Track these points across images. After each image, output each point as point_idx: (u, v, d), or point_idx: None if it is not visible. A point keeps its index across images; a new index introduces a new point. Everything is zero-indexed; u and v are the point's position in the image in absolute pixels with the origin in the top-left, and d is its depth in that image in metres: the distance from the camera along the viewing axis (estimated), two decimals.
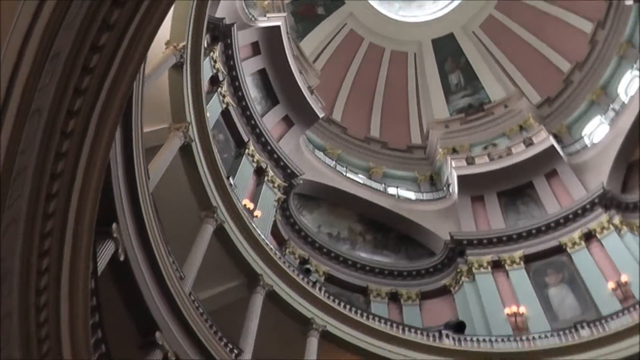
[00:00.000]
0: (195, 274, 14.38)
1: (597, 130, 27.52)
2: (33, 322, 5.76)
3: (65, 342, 6.31)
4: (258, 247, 17.55)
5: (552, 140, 27.17)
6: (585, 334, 18.74)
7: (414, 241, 27.72)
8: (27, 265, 5.42)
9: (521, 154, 27.44)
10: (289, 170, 24.48)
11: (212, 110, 19.41)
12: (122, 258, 10.48)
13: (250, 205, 20.39)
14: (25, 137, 4.79)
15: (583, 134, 28.53)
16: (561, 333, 19.22)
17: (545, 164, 26.79)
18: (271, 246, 18.36)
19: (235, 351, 14.42)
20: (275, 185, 23.53)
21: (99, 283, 8.57)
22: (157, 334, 11.55)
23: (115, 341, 8.94)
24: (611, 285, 21.22)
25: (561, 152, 26.77)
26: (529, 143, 27.94)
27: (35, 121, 4.92)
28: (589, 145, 26.91)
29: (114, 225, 10.10)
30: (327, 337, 17.74)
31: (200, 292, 15.04)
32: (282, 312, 17.54)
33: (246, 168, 21.96)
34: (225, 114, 21.35)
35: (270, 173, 23.48)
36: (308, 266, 22.38)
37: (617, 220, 23.20)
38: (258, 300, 16.57)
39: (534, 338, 19.41)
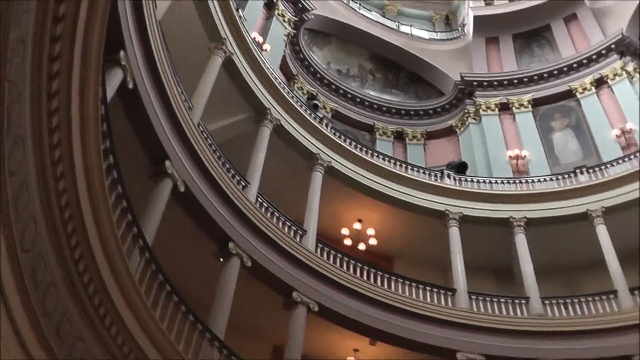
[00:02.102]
0: (203, 105, 14.41)
1: None
2: (46, 144, 5.87)
3: (78, 163, 6.46)
4: (266, 81, 17.48)
5: None
6: (584, 179, 19.08)
7: (424, 81, 27.55)
8: (37, 89, 5.45)
9: None
10: (300, 4, 23.89)
11: None
12: (130, 86, 10.47)
13: (260, 39, 20.11)
14: None
15: None
16: (560, 177, 19.57)
17: (566, 7, 26.06)
18: (280, 80, 18.28)
19: (242, 183, 14.77)
20: (286, 19, 23.07)
21: (109, 111, 8.64)
22: (167, 162, 11.76)
23: (125, 170, 9.14)
24: (615, 132, 21.37)
25: None
26: None
27: None
28: None
29: (122, 53, 10.01)
30: (331, 172, 18.08)
31: (208, 123, 15.15)
32: (289, 146, 17.77)
33: (256, 0, 21.47)
34: None
35: (281, 6, 22.95)
36: (316, 102, 22.37)
37: (630, 67, 22.96)
38: (265, 134, 16.75)
39: (533, 181, 19.81)
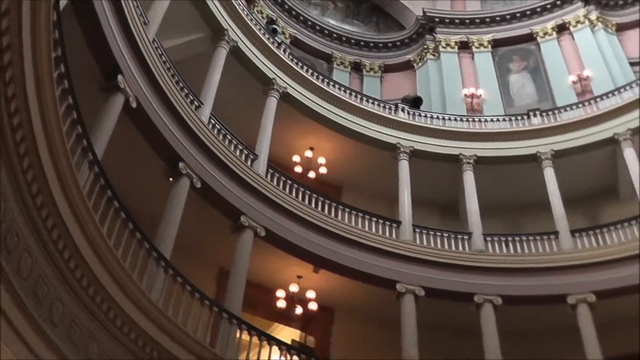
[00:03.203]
0: (159, 21, 14.06)
1: None
2: None
3: (28, 68, 6.27)
4: (225, 0, 17.08)
5: None
6: (537, 121, 19.38)
7: (386, 14, 27.33)
8: None
9: None
10: None
11: None
12: None
13: None
14: None
15: None
16: (513, 118, 19.83)
17: None
18: (239, 1, 17.87)
19: (196, 103, 14.57)
20: None
21: (62, 20, 8.34)
22: (119, 77, 11.49)
23: (77, 82, 8.89)
24: (572, 78, 21.70)
25: None
26: None
27: None
28: None
29: None
30: (286, 99, 17.94)
31: (164, 40, 14.80)
32: (245, 69, 17.51)
33: None
34: None
35: None
36: (275, 26, 22.00)
37: (594, 15, 23.21)
38: (222, 55, 16.44)
39: (486, 120, 20.02)
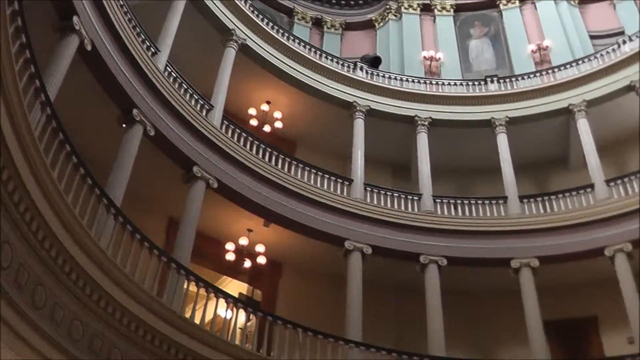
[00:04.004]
0: None
1: None
2: None
3: None
4: None
5: None
6: (493, 88, 19.59)
7: None
8: None
9: None
10: None
11: None
12: None
13: None
14: None
15: None
16: (470, 83, 19.99)
17: None
18: None
19: (153, 50, 14.29)
20: None
21: None
22: (75, 18, 11.14)
23: (30, 21, 8.60)
24: (532, 47, 21.95)
25: None
26: None
27: None
28: None
29: None
30: (245, 51, 17.69)
31: None
32: (204, 18, 17.12)
33: None
34: None
35: None
36: None
37: None
38: (180, 2, 16.00)
39: (443, 84, 20.13)
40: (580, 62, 19.39)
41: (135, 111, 12.76)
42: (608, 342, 16.11)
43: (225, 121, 15.63)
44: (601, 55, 19.02)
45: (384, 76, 20.02)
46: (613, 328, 15.91)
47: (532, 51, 21.91)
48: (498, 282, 16.04)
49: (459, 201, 17.40)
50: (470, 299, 16.54)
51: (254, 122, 18.52)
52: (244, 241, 15.78)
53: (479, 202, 17.33)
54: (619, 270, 14.99)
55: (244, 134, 15.92)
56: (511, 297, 15.38)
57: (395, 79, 20.06)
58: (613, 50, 18.80)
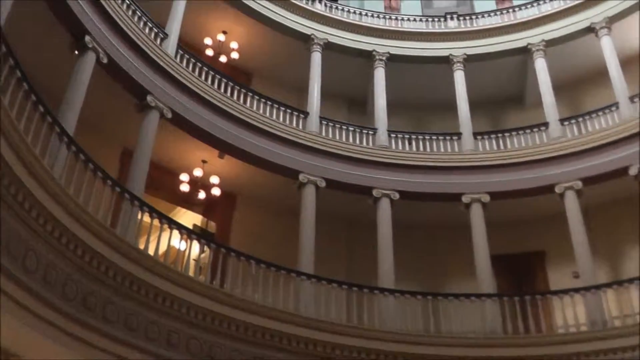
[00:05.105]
0: None
1: None
2: None
3: None
4: None
5: None
6: (453, 24, 19.58)
7: None
8: None
9: None
10: None
11: None
12: None
13: None
14: None
15: None
16: (430, 19, 19.92)
17: None
18: None
19: None
20: None
21: None
22: None
23: None
24: None
25: None
26: None
27: None
28: None
29: None
30: None
31: None
32: None
33: None
34: None
35: None
36: None
37: None
38: None
39: (402, 19, 20.00)
40: (541, 1, 19.40)
41: (87, 38, 12.35)
42: (554, 276, 16.73)
43: (180, 50, 15.32)
44: None
45: (343, 9, 19.76)
46: (560, 263, 16.46)
47: None
48: (449, 216, 16.35)
49: (413, 136, 17.52)
50: (421, 233, 16.93)
51: (209, 52, 18.18)
52: (198, 172, 15.70)
53: (434, 137, 17.50)
54: (568, 207, 15.41)
55: (199, 64, 15.64)
56: (462, 232, 15.71)
57: (355, 12, 19.82)
58: None
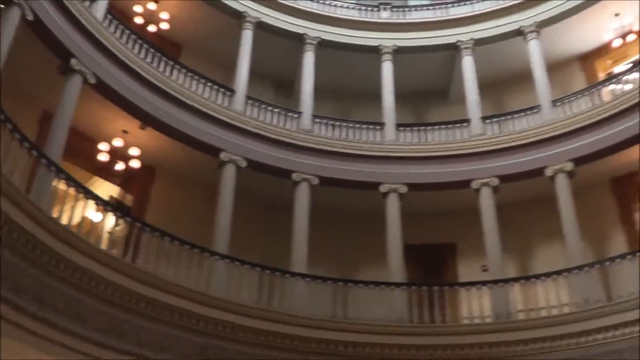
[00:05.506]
0: None
1: None
2: None
3: None
4: None
5: None
6: (385, 15, 19.83)
7: None
8: None
9: None
10: None
11: None
12: None
13: None
14: None
15: None
16: (363, 8, 20.03)
17: None
18: None
19: None
20: None
21: None
22: None
23: None
24: None
25: None
26: None
27: None
28: None
29: None
30: None
31: None
32: None
33: None
34: None
35: None
36: None
37: None
38: None
39: (336, 5, 19.98)
40: (474, 1, 19.81)
41: None
42: (464, 268, 17.12)
43: (109, 15, 14.91)
44: None
45: None
46: (470, 256, 16.92)
47: None
48: (367, 204, 16.53)
49: (337, 123, 17.65)
50: (339, 219, 17.08)
51: (139, 20, 17.71)
52: (118, 142, 15.35)
53: (357, 125, 17.67)
54: (482, 202, 15.83)
55: (127, 30, 15.27)
56: (378, 220, 15.90)
57: None
58: None
